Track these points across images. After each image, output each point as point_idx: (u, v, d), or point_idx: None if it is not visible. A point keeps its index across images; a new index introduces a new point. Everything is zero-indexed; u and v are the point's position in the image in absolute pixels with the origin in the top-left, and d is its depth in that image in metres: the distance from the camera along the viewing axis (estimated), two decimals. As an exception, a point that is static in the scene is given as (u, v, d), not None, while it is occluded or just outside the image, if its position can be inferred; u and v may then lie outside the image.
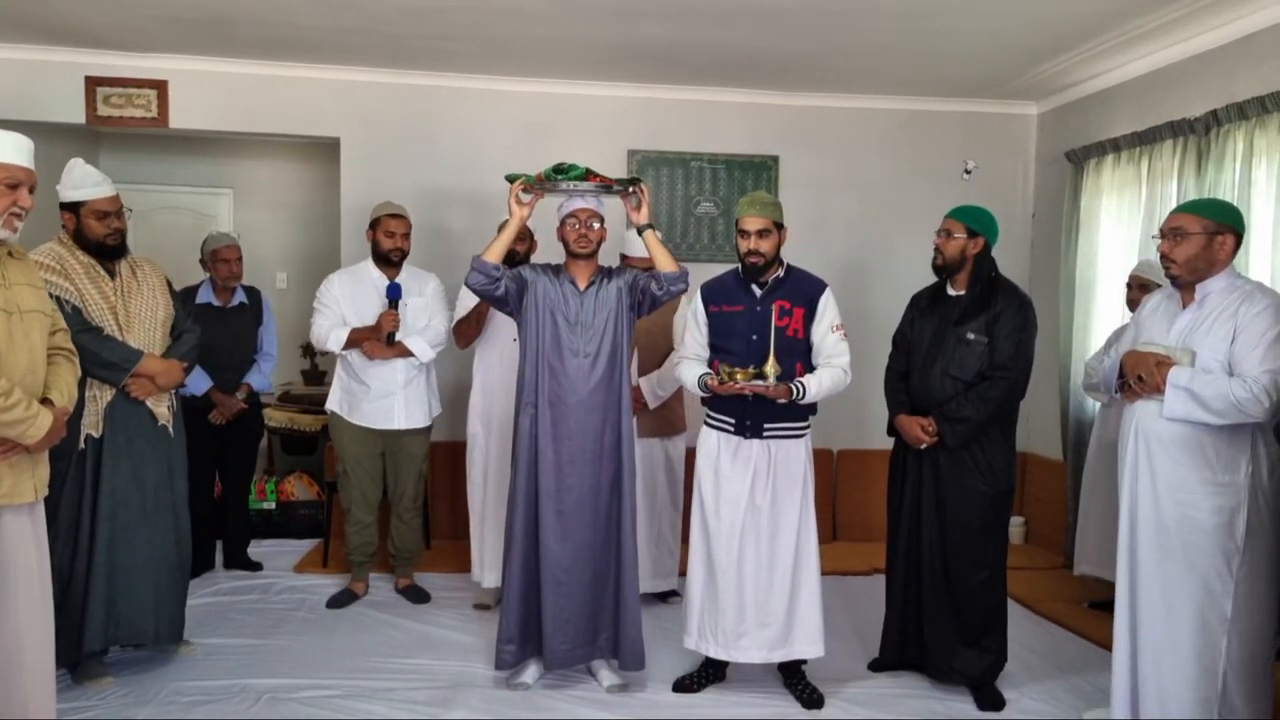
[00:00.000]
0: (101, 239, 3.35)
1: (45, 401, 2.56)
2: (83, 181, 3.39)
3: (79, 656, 3.36)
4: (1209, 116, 4.12)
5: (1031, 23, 4.24)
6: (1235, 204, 3.89)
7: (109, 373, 3.28)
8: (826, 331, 3.37)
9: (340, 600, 4.37)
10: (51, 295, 3.07)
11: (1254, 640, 2.84)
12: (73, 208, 3.36)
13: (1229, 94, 4.05)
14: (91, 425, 3.30)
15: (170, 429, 3.50)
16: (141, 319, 3.43)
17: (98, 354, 3.22)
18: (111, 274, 3.41)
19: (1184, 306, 2.91)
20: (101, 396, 3.32)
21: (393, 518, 4.49)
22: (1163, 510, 2.86)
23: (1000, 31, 4.36)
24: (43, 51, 5.03)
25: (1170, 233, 2.88)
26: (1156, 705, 2.90)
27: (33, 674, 2.56)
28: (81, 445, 3.28)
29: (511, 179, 3.37)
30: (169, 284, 3.64)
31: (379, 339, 4.19)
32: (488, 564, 4.22)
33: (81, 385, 3.02)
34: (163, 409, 3.46)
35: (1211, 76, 4.24)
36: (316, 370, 6.21)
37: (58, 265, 3.27)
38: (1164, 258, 2.91)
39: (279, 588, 4.59)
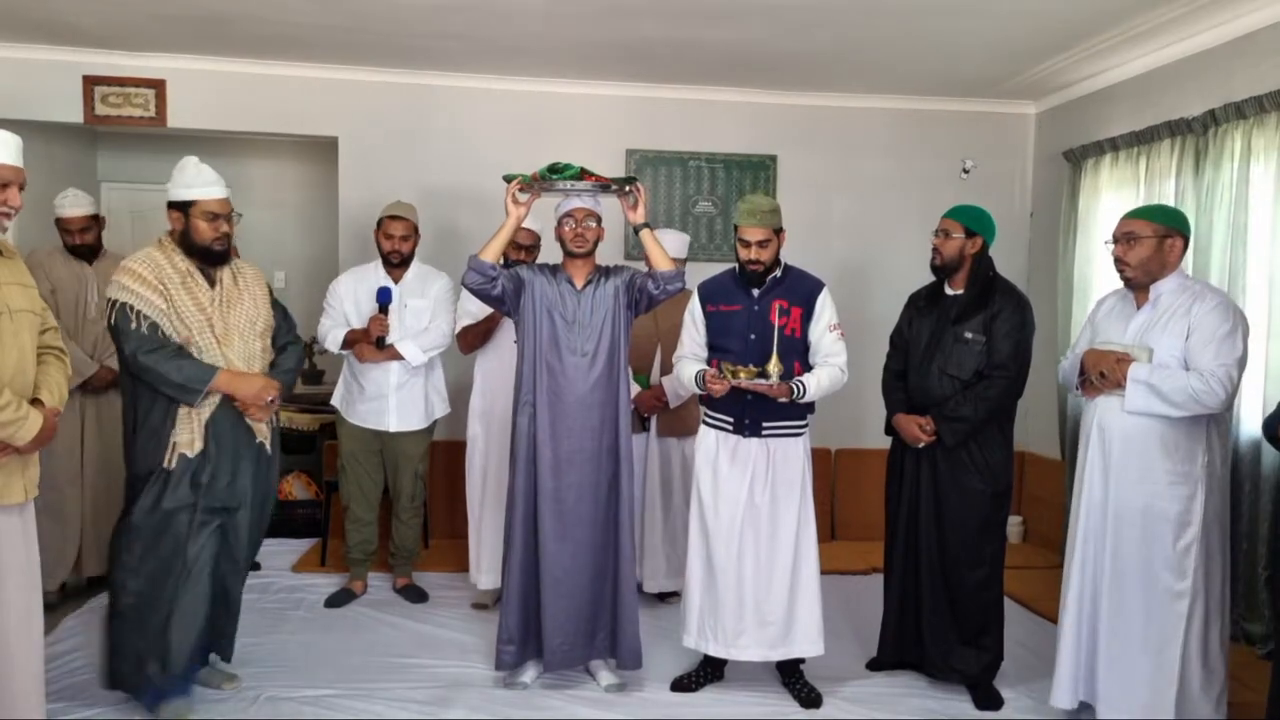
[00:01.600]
0: (209, 243, 3.15)
1: (35, 402, 2.55)
2: (195, 180, 3.22)
3: (152, 679, 3.10)
4: (1207, 116, 4.12)
5: (1029, 22, 4.24)
6: (1233, 203, 3.92)
7: (180, 394, 3.02)
8: (824, 331, 3.37)
9: (338, 600, 4.37)
10: (128, 308, 2.98)
11: (1212, 621, 3.01)
12: (182, 207, 3.20)
13: (1227, 93, 4.06)
14: (186, 444, 3.05)
15: (268, 447, 3.27)
16: (240, 330, 3.18)
17: (165, 375, 2.98)
18: (211, 281, 3.18)
19: (1138, 307, 3.09)
20: (199, 412, 3.07)
21: (393, 517, 4.49)
22: (1123, 500, 3.02)
23: (998, 31, 4.36)
24: (40, 51, 5.02)
25: (1123, 237, 3.07)
26: (1117, 687, 3.04)
27: (22, 674, 2.55)
28: (169, 464, 3.04)
29: (509, 179, 3.37)
30: (270, 291, 3.40)
31: (369, 342, 4.18)
32: (484, 565, 4.21)
33: (166, 401, 2.97)
34: (261, 426, 3.22)
35: (1209, 76, 4.24)
36: (315, 369, 6.20)
37: (152, 277, 3.07)
38: (1118, 261, 3.08)
39: (277, 587, 4.59)
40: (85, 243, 4.32)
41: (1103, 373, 3.03)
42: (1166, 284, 3.03)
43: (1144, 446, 2.98)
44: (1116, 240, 3.09)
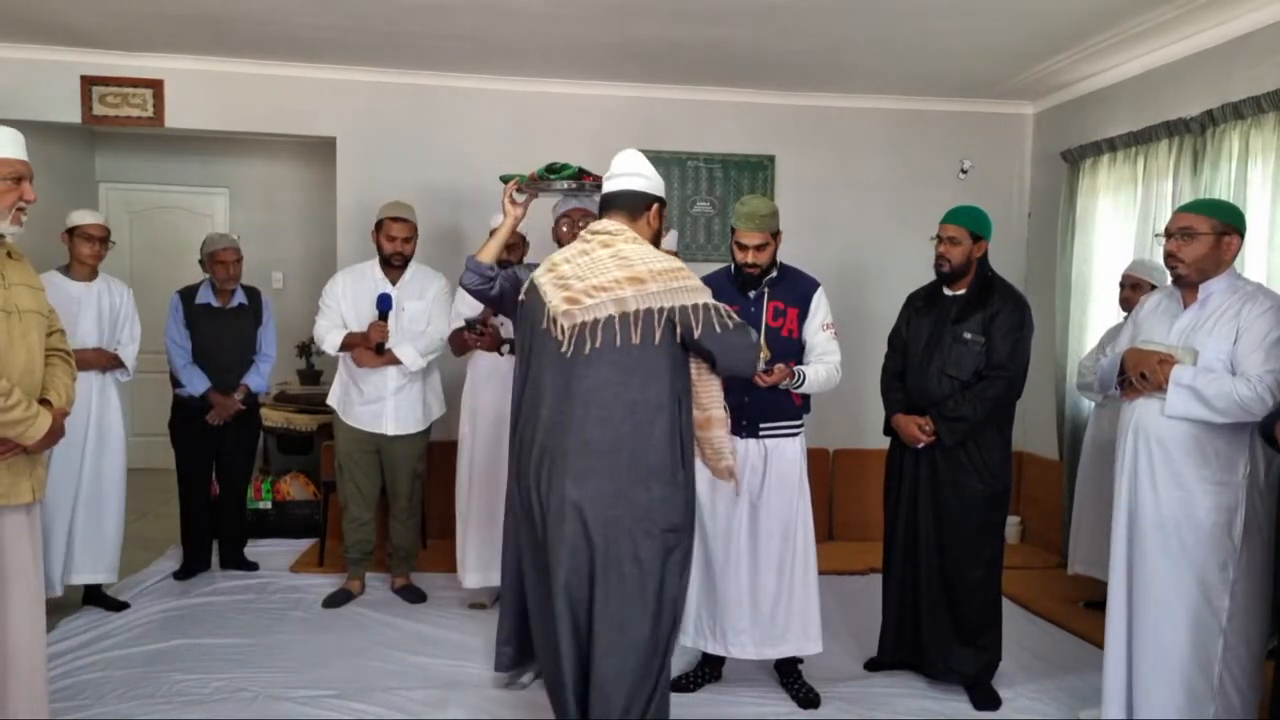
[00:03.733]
0: None
1: (44, 402, 2.56)
2: None
3: None
4: (1205, 116, 4.12)
5: (1028, 23, 4.24)
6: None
7: None
8: (818, 329, 3.37)
9: (336, 600, 4.36)
10: None
11: (1249, 638, 2.85)
12: None
13: (1225, 94, 4.06)
14: None
15: None
16: None
17: None
18: None
19: (1185, 306, 2.92)
20: None
21: (390, 517, 4.49)
22: (1161, 508, 2.87)
23: (996, 31, 4.37)
24: (38, 51, 5.02)
25: (1179, 232, 2.87)
26: (1152, 703, 2.91)
27: (27, 675, 2.56)
28: None
29: (506, 179, 3.36)
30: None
31: (368, 348, 4.17)
32: (469, 565, 4.20)
33: None
34: None
35: (1207, 76, 4.24)
36: (313, 370, 6.20)
37: None
38: (1171, 256, 2.89)
39: (275, 587, 4.58)
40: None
41: (1144, 374, 2.87)
42: (1218, 283, 2.86)
43: (1182, 453, 2.83)
44: (1170, 234, 2.90)
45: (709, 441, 2.76)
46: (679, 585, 2.59)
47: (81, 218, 4.18)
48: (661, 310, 2.50)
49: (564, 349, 2.50)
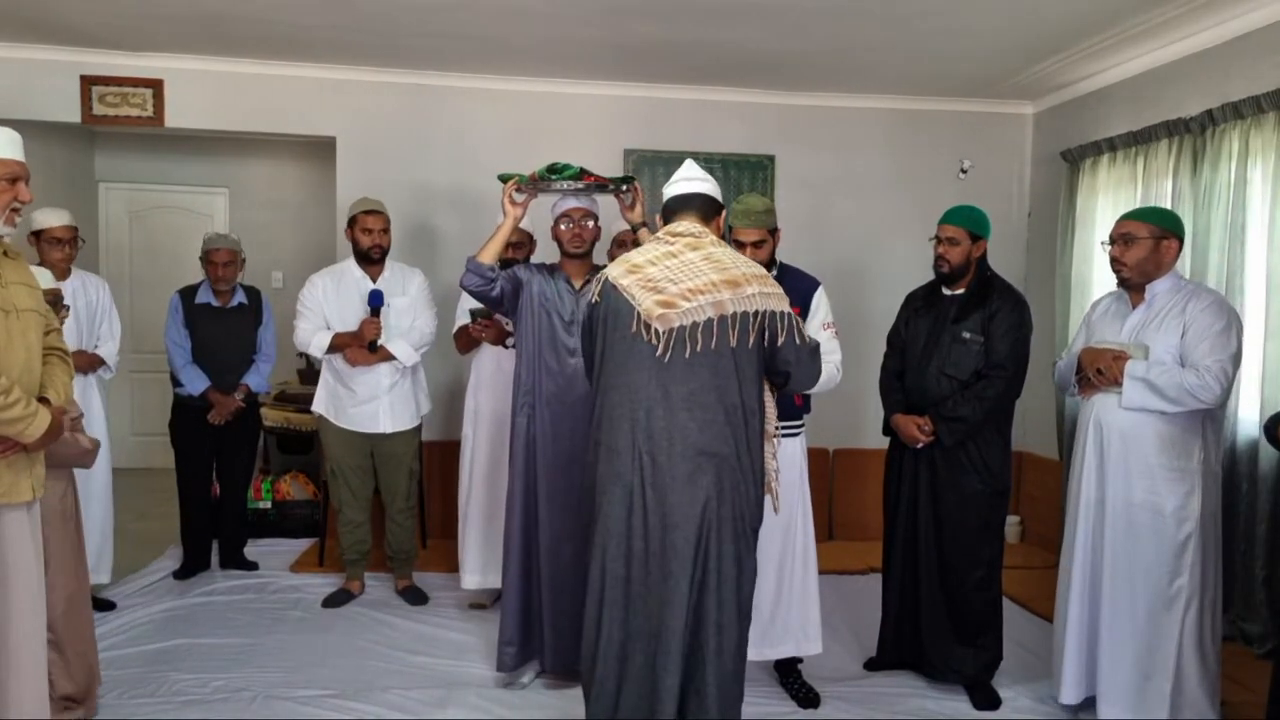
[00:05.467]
0: None
1: (42, 401, 2.56)
2: None
3: None
4: (1204, 116, 4.12)
5: (1027, 22, 4.24)
6: (1231, 203, 3.93)
7: None
8: (818, 329, 3.36)
9: (336, 600, 4.36)
10: None
11: (1206, 618, 3.05)
12: None
13: (1224, 93, 4.06)
14: None
15: None
16: None
17: None
18: None
19: (1133, 307, 3.15)
20: None
21: (387, 518, 4.48)
22: (1121, 496, 3.08)
23: (996, 31, 4.37)
24: (38, 50, 5.02)
25: (1120, 238, 3.12)
26: (1115, 683, 3.09)
27: (29, 675, 2.55)
28: None
29: (505, 179, 3.36)
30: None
31: (361, 346, 4.17)
32: (470, 566, 4.20)
33: None
34: None
35: (1207, 76, 4.24)
36: (313, 370, 6.18)
37: None
38: (1114, 261, 3.13)
39: (275, 587, 4.59)
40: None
41: (1100, 369, 3.09)
42: (1161, 284, 3.09)
43: (1141, 442, 3.03)
44: (1113, 241, 3.15)
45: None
46: (753, 587, 2.62)
47: (46, 220, 4.07)
48: (757, 314, 2.50)
49: (660, 353, 2.49)
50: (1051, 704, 3.45)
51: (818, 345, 2.68)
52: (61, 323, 3.19)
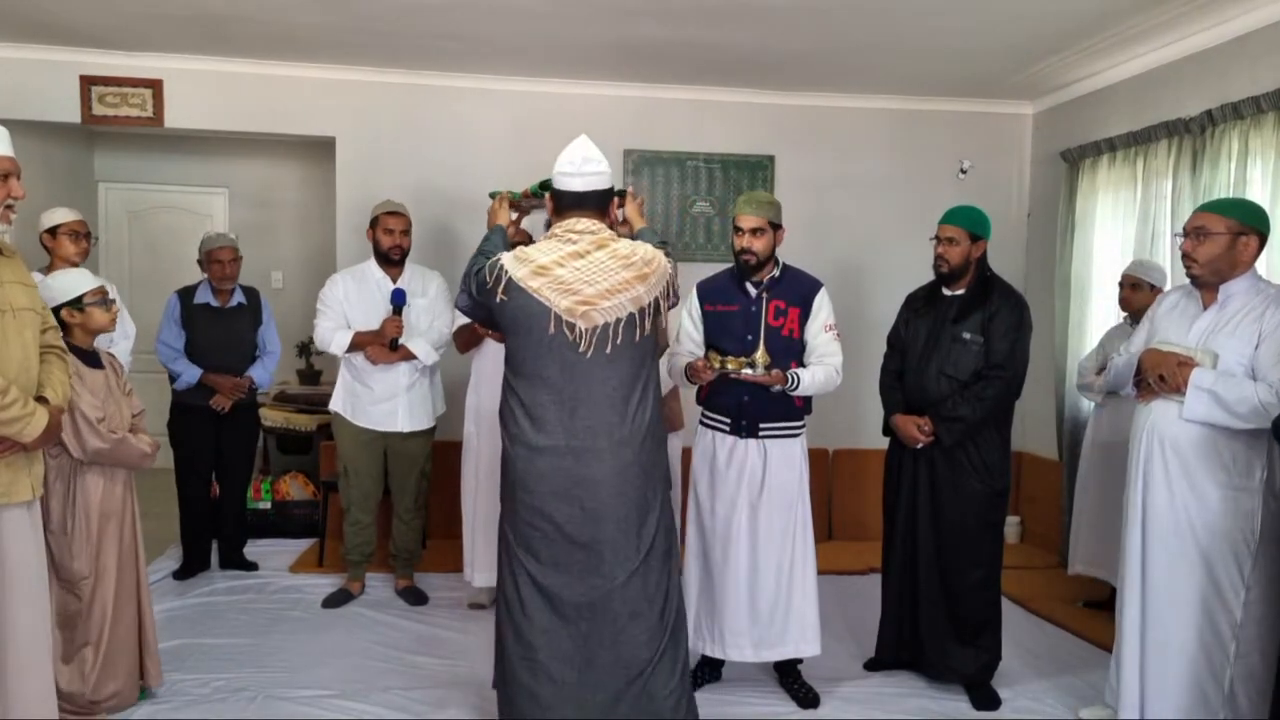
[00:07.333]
0: None
1: (40, 400, 2.55)
2: None
3: None
4: (1204, 116, 4.12)
5: (1027, 22, 4.24)
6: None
7: None
8: (819, 330, 3.37)
9: (336, 600, 4.36)
10: None
11: (1262, 645, 2.81)
12: None
13: (1224, 94, 4.06)
14: None
15: None
16: None
17: None
18: None
19: (1205, 307, 2.89)
20: None
21: (394, 518, 4.49)
22: (1176, 512, 2.85)
23: (995, 31, 4.37)
24: (37, 50, 5.01)
25: (1193, 231, 2.84)
26: (1163, 706, 2.89)
27: (34, 674, 2.55)
28: None
29: (494, 196, 3.34)
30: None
31: (383, 344, 4.18)
32: (478, 564, 4.19)
33: None
34: None
35: (1206, 76, 4.24)
36: (312, 370, 6.19)
37: None
38: (1185, 256, 2.88)
39: (274, 587, 4.58)
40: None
41: (1162, 376, 2.83)
42: (1238, 285, 2.82)
43: (1198, 457, 2.79)
44: (1186, 234, 2.87)
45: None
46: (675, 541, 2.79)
47: (64, 215, 4.03)
48: (656, 298, 2.61)
49: (583, 350, 2.52)
50: (1051, 704, 3.46)
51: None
52: (113, 320, 3.21)
